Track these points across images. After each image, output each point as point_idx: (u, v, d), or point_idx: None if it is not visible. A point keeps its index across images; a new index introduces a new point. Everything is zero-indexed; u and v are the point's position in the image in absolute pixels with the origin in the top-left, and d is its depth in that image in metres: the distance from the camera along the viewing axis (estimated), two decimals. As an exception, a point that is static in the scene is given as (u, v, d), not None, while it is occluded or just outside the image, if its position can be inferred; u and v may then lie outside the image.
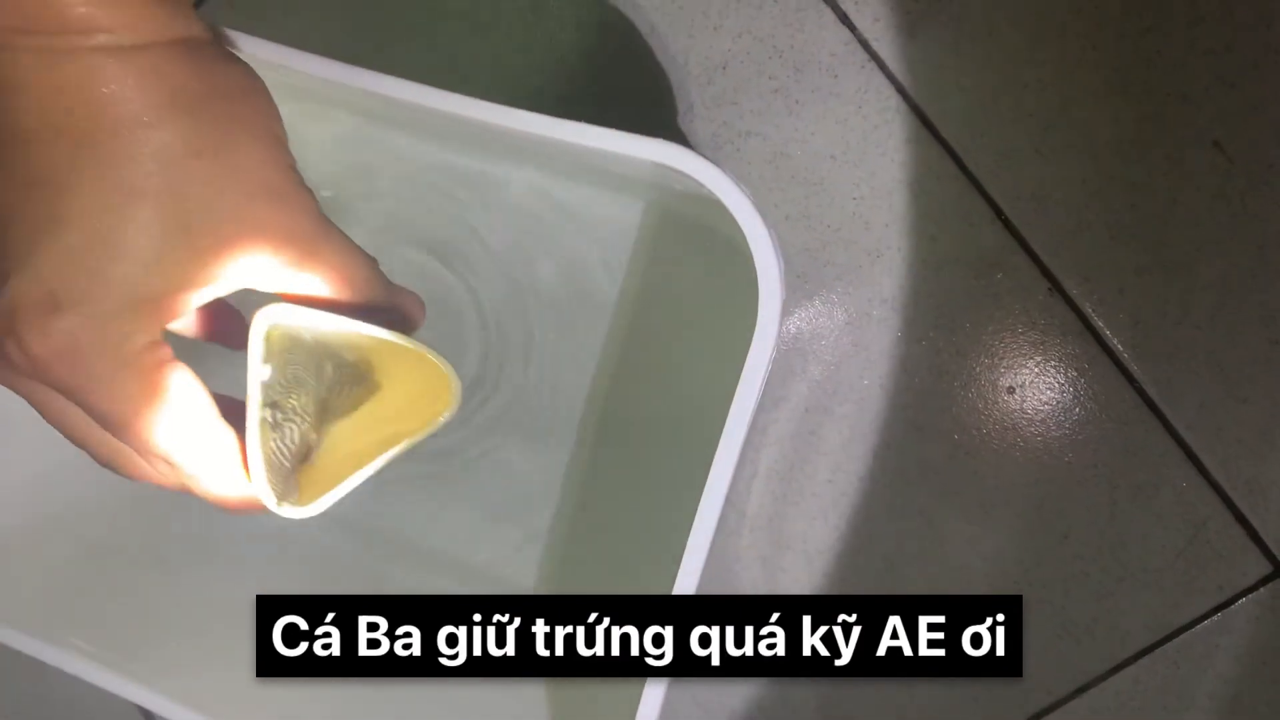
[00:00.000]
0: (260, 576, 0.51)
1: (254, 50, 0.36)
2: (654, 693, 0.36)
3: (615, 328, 0.50)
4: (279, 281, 0.29)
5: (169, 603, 0.49)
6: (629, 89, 0.52)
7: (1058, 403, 0.50)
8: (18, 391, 0.29)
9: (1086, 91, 0.49)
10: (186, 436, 0.28)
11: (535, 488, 0.52)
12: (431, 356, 0.31)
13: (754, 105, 0.51)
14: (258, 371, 0.29)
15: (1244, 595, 0.50)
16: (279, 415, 0.31)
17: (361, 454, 0.32)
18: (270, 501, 0.30)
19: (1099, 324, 0.49)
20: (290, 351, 0.30)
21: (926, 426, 0.51)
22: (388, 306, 0.32)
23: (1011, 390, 0.50)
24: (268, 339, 0.29)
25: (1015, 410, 0.50)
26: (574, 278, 0.50)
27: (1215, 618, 0.50)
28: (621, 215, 0.49)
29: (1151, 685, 0.51)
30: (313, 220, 0.29)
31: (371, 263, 0.31)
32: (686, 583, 0.37)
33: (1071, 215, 0.49)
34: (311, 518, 0.31)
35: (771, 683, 0.54)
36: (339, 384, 0.32)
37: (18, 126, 0.26)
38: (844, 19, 0.50)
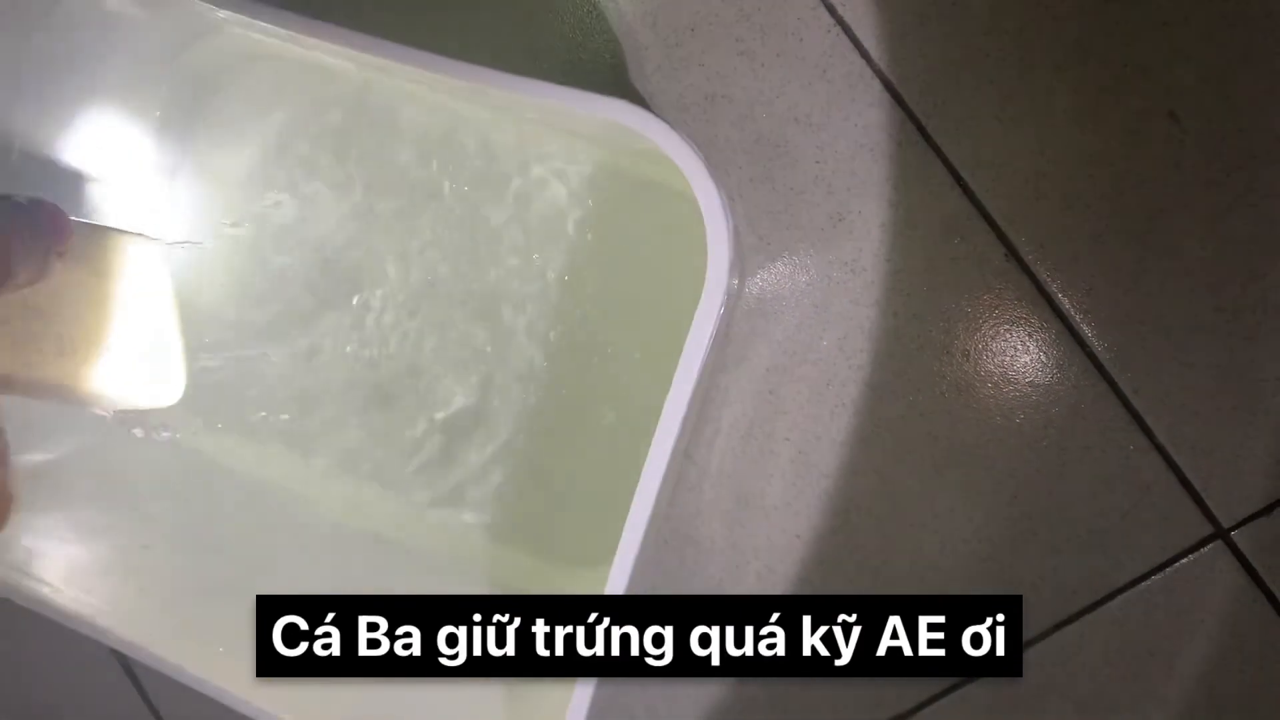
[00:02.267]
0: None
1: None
2: (582, 692, 0.36)
3: (567, 281, 0.51)
4: None
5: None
6: (597, 49, 0.53)
7: (1011, 366, 0.51)
8: None
9: (1047, 61, 0.49)
10: None
11: (481, 441, 0.53)
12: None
13: (721, 68, 0.51)
14: None
15: (1185, 555, 0.51)
16: None
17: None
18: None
19: (1053, 290, 0.51)
20: None
21: (883, 387, 0.52)
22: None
23: (966, 354, 0.52)
24: None
25: (970, 373, 0.52)
26: (523, 230, 0.51)
27: (1157, 577, 0.52)
28: (582, 168, 0.50)
29: (1095, 642, 0.52)
30: None
31: None
32: (633, 535, 0.38)
33: (1029, 184, 0.50)
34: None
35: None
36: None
37: None
38: (811, -17, 0.50)
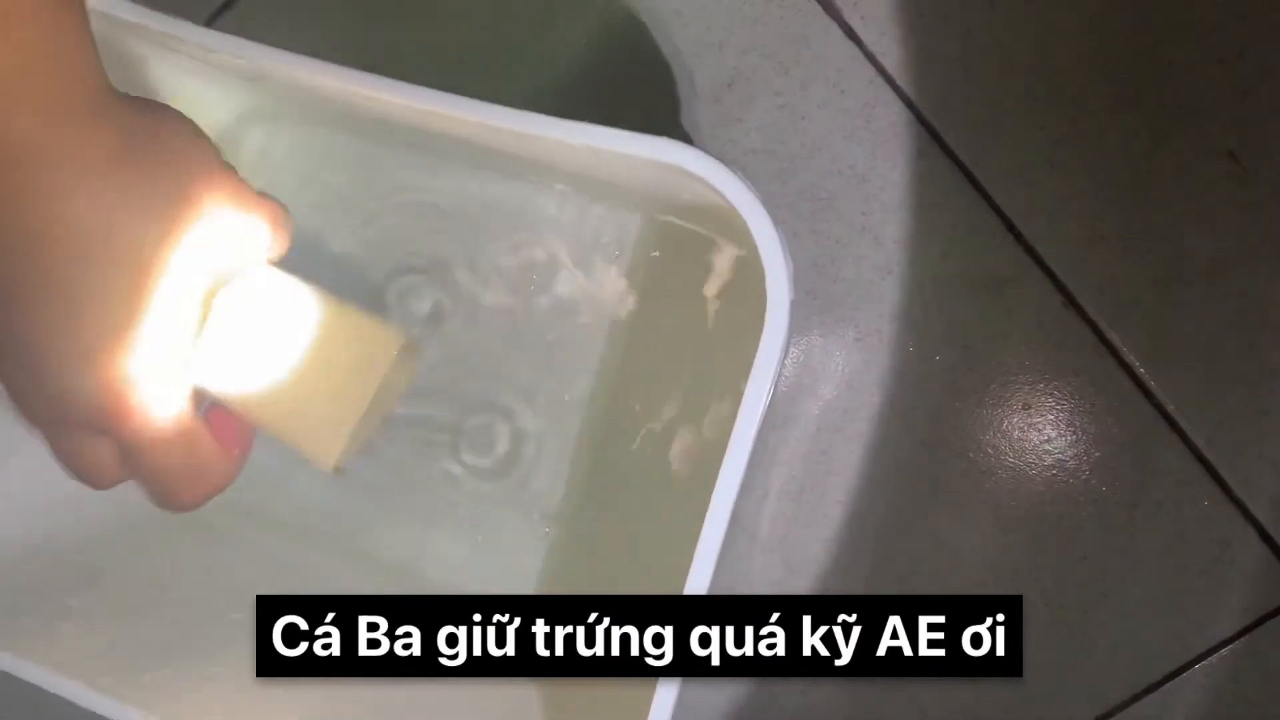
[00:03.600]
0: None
1: (247, 53, 0.36)
2: (666, 694, 0.35)
3: (616, 343, 0.50)
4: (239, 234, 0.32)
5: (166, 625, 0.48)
6: (635, 109, 0.52)
7: (1073, 419, 0.49)
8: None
9: (1097, 104, 0.48)
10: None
11: (532, 509, 0.51)
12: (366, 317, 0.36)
13: (760, 122, 0.50)
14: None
15: (1272, 616, 0.48)
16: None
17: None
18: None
19: (1114, 338, 0.49)
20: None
21: (939, 445, 0.50)
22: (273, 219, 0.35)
23: (1026, 407, 0.49)
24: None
25: (1030, 427, 0.49)
26: (573, 294, 0.50)
27: (1242, 640, 0.48)
28: (623, 230, 0.49)
29: (1178, 710, 0.49)
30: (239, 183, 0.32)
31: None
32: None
33: (1085, 228, 0.48)
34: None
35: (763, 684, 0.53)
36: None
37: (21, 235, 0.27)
38: (850, 33, 0.49)
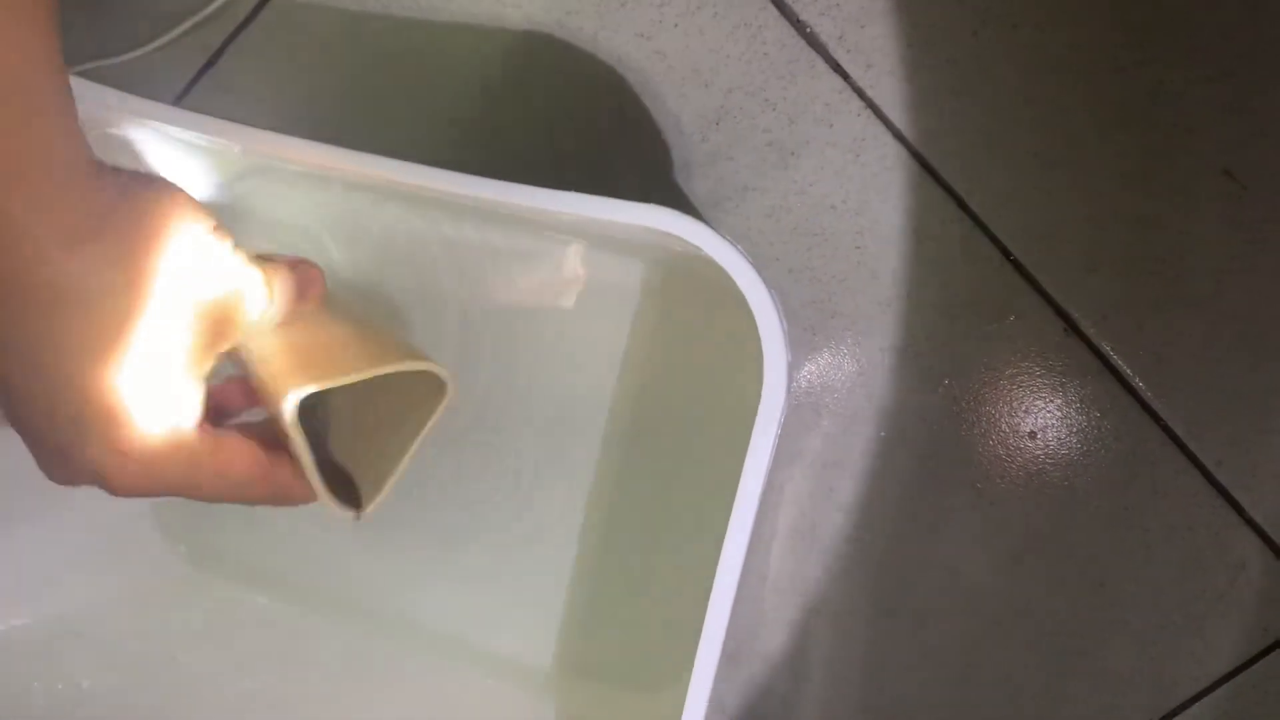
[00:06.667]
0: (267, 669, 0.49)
1: (255, 143, 0.35)
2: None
3: (622, 392, 0.49)
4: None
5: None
6: (623, 150, 0.51)
7: (1082, 445, 0.49)
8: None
9: (1088, 127, 0.48)
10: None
11: (546, 564, 0.51)
12: (427, 365, 0.37)
13: (749, 159, 0.50)
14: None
15: (1291, 637, 0.48)
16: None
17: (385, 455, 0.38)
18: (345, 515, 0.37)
19: (1119, 362, 0.48)
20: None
21: (948, 477, 0.49)
22: (306, 284, 0.37)
23: (1033, 435, 0.49)
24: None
25: (1039, 455, 0.49)
26: (577, 343, 0.49)
27: (1263, 662, 0.48)
28: (623, 277, 0.48)
29: (1201, 736, 0.49)
30: (248, 275, 0.34)
31: (283, 262, 0.36)
32: (707, 661, 0.35)
33: (1082, 253, 0.48)
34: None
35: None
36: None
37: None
38: (836, 67, 0.49)
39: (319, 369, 0.34)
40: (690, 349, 0.49)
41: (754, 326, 0.33)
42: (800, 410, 0.50)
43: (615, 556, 0.50)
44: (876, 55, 0.49)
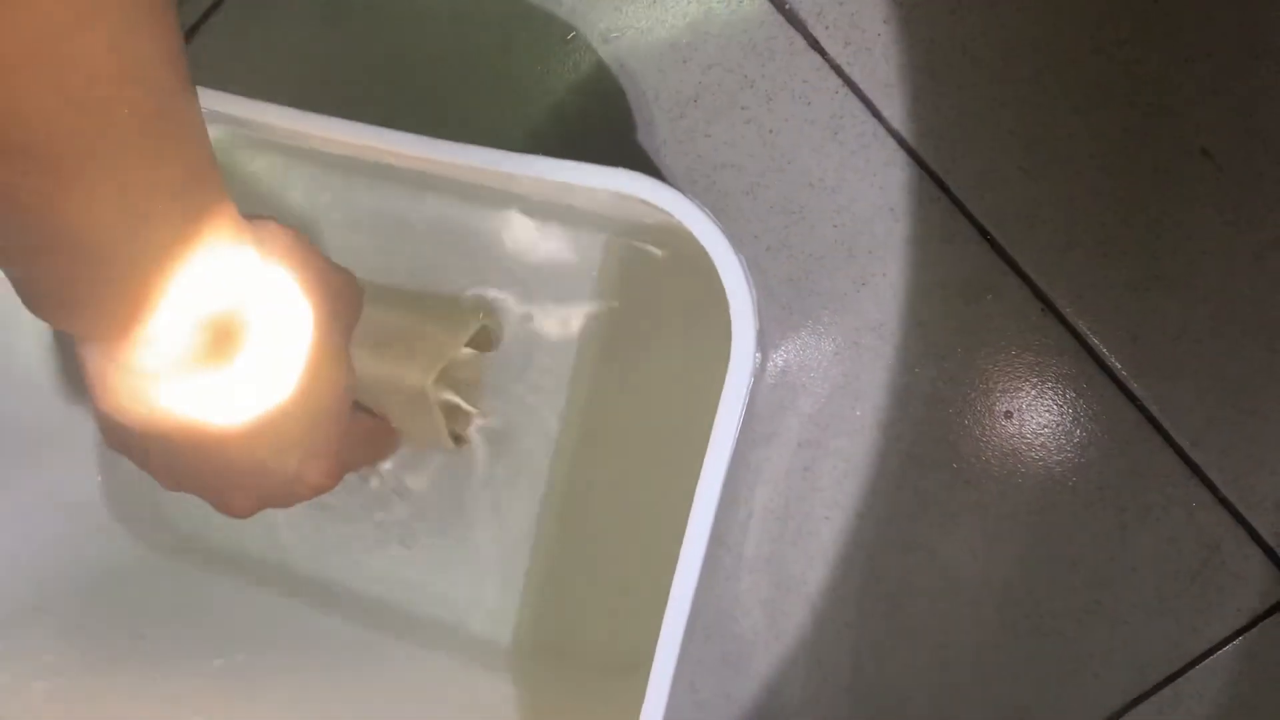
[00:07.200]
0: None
1: (222, 105, 0.35)
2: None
3: (584, 367, 0.49)
4: None
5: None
6: (599, 127, 0.51)
7: (1058, 426, 0.48)
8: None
9: (1067, 107, 0.47)
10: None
11: (511, 542, 0.50)
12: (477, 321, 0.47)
13: (727, 137, 0.50)
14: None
15: (1265, 618, 0.47)
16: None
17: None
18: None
19: (1095, 342, 0.48)
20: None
21: (924, 457, 0.49)
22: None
23: (1009, 415, 0.49)
24: None
25: (1014, 435, 0.49)
26: (542, 320, 0.49)
27: (1236, 642, 0.48)
28: (586, 252, 0.48)
29: (1175, 717, 0.48)
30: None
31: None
32: (670, 639, 0.35)
33: (1060, 233, 0.48)
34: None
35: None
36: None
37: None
38: (814, 44, 0.49)
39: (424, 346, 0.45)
40: (660, 326, 0.48)
41: (723, 292, 0.33)
42: (777, 390, 0.50)
43: (582, 535, 0.50)
44: (855, 33, 0.49)
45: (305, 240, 0.34)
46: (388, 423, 0.47)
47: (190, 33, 0.55)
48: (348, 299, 0.36)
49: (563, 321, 0.49)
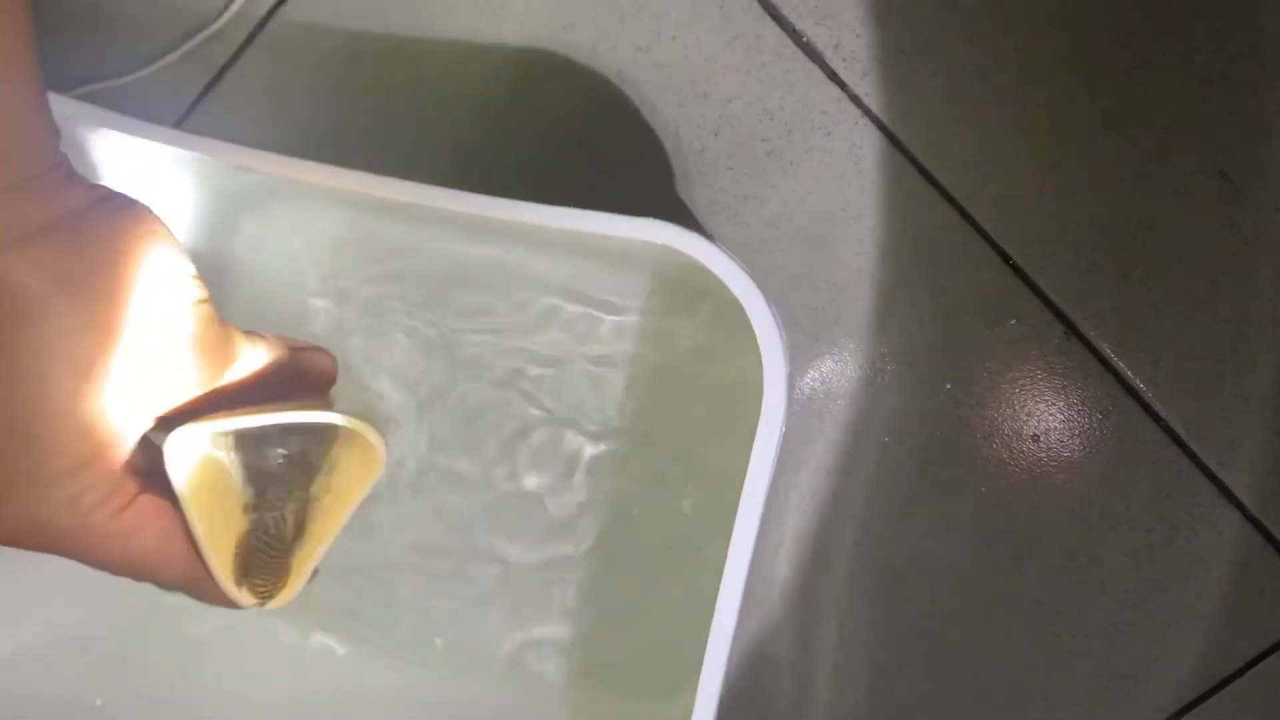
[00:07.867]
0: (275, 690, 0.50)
1: (258, 164, 0.36)
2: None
3: (626, 401, 0.50)
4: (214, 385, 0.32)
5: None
6: (622, 161, 0.52)
7: (1084, 448, 0.49)
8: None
9: (1084, 131, 0.48)
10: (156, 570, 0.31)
11: (557, 572, 0.51)
12: (359, 428, 0.34)
13: (748, 169, 0.50)
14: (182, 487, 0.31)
15: (1297, 634, 0.48)
16: (262, 507, 0.34)
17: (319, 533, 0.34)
18: (246, 602, 0.32)
19: (1119, 364, 0.48)
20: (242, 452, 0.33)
21: (951, 481, 0.50)
22: (310, 370, 0.36)
23: (1035, 438, 0.49)
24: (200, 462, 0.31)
25: (1041, 458, 0.49)
26: (580, 352, 0.50)
27: (1269, 660, 0.48)
28: (625, 285, 0.49)
29: (1209, 735, 0.49)
30: (215, 331, 0.31)
31: (279, 342, 0.34)
32: (714, 666, 0.36)
33: (1081, 256, 0.48)
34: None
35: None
36: (295, 469, 0.34)
37: None
38: (833, 76, 0.49)
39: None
40: (693, 359, 0.49)
41: (754, 337, 0.33)
42: (804, 416, 0.51)
43: (624, 565, 0.51)
44: (872, 64, 0.49)
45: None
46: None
47: (218, 75, 0.56)
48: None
49: (598, 358, 0.49)
